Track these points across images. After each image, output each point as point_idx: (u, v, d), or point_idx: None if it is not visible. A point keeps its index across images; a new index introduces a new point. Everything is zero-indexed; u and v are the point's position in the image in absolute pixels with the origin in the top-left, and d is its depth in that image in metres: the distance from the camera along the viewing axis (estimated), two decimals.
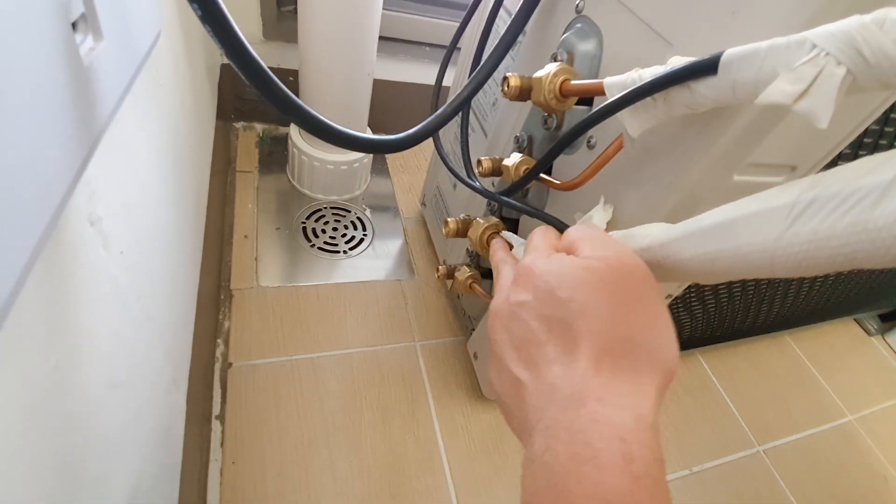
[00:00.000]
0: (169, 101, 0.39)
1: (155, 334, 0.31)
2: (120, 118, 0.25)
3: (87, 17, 0.18)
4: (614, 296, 0.19)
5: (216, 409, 0.54)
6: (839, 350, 0.95)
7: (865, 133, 0.34)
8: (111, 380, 0.24)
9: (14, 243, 0.13)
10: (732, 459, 0.70)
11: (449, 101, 0.40)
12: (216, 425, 0.53)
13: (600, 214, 0.33)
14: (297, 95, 0.79)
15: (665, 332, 0.20)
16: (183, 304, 0.43)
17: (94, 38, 0.19)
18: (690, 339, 0.76)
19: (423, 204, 0.83)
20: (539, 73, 0.32)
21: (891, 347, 1.00)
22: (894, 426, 0.83)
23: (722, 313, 0.72)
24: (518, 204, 0.37)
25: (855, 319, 1.03)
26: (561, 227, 0.30)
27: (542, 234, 0.26)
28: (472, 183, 0.43)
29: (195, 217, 0.51)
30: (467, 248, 0.60)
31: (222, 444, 0.51)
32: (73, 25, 0.18)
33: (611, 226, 0.35)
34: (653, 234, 0.24)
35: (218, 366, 0.57)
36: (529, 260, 0.23)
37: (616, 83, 0.26)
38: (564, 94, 0.32)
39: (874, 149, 0.38)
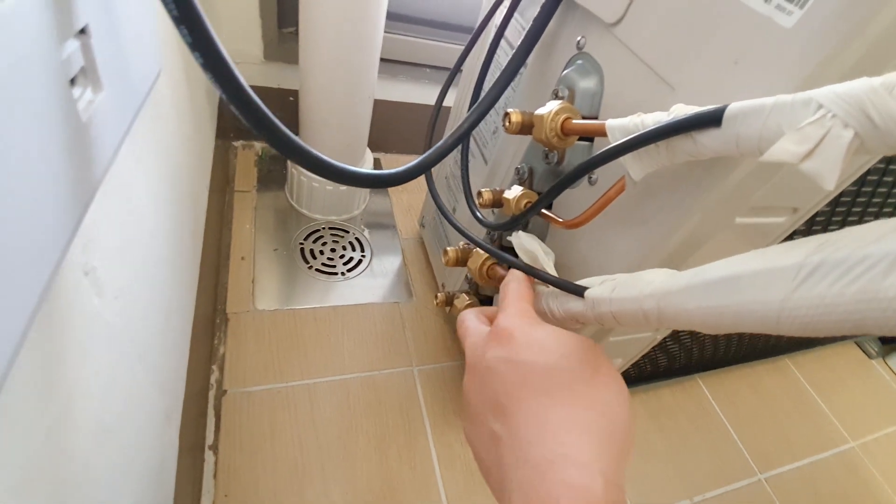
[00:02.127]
0: (168, 132, 0.39)
1: (148, 374, 0.31)
2: (117, 160, 0.24)
3: (87, 69, 0.18)
4: (588, 369, 0.21)
5: (209, 439, 0.53)
6: (840, 374, 0.94)
7: (868, 172, 0.34)
8: (103, 427, 0.23)
9: (9, 316, 0.13)
10: (734, 488, 0.69)
11: (450, 132, 0.40)
12: (209, 455, 0.52)
13: (547, 257, 0.33)
14: (297, 115, 0.79)
15: (624, 405, 0.22)
16: (178, 335, 0.42)
17: (94, 90, 0.19)
18: (691, 364, 0.75)
19: (422, 225, 0.83)
20: (540, 111, 0.32)
21: (892, 370, 0.99)
22: None
23: (727, 337, 0.72)
24: (501, 254, 0.36)
25: (855, 342, 1.03)
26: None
27: (517, 289, 0.27)
28: (458, 223, 0.43)
29: (192, 243, 0.51)
30: (466, 275, 0.60)
31: (215, 475, 0.50)
32: (73, 80, 0.17)
33: (612, 266, 0.34)
34: (656, 281, 0.24)
35: (212, 393, 0.56)
36: (509, 322, 0.24)
37: (618, 126, 0.26)
38: (566, 132, 0.32)
39: (877, 187, 0.38)
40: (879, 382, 0.97)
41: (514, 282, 0.28)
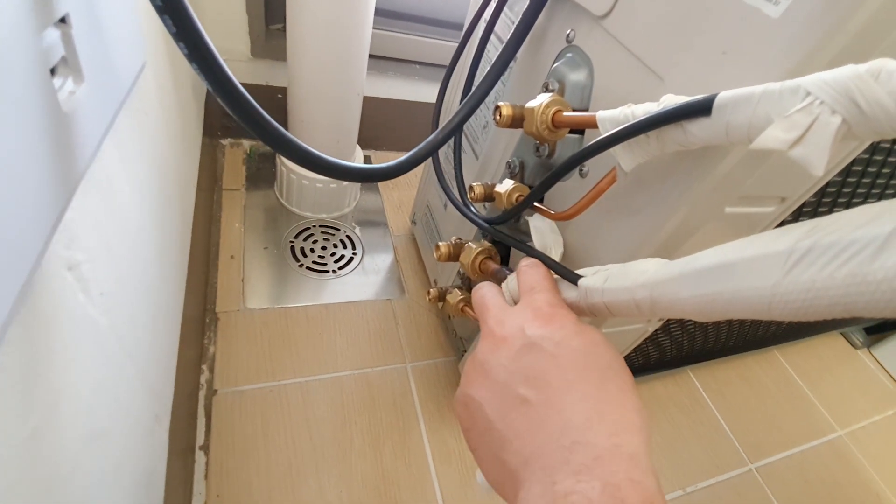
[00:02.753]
0: (153, 128, 0.38)
1: (137, 373, 0.30)
2: (101, 154, 0.24)
3: (68, 59, 0.18)
4: (628, 376, 0.22)
5: (200, 440, 0.52)
6: (827, 364, 0.96)
7: (854, 161, 0.35)
8: (91, 431, 0.23)
9: None
10: (726, 478, 0.70)
11: (441, 126, 0.40)
12: (200, 456, 0.51)
13: (558, 247, 0.33)
14: (286, 113, 0.78)
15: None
16: (167, 335, 0.41)
17: (75, 80, 0.18)
18: (682, 357, 0.76)
19: (414, 222, 0.83)
20: (531, 104, 0.32)
21: (877, 360, 1.01)
22: (883, 441, 0.84)
23: (717, 328, 0.72)
24: (519, 241, 0.37)
25: (841, 333, 1.04)
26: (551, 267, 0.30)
27: (546, 273, 0.27)
28: (469, 213, 0.43)
29: (180, 241, 0.50)
30: (459, 270, 0.60)
31: (206, 476, 0.50)
32: (53, 70, 0.17)
33: (604, 256, 0.34)
34: (649, 270, 0.24)
35: (202, 393, 0.55)
36: (554, 308, 0.24)
37: (609, 118, 0.26)
38: (557, 125, 0.32)
39: (861, 177, 0.38)
40: (865, 372, 0.99)
41: (538, 267, 0.28)
